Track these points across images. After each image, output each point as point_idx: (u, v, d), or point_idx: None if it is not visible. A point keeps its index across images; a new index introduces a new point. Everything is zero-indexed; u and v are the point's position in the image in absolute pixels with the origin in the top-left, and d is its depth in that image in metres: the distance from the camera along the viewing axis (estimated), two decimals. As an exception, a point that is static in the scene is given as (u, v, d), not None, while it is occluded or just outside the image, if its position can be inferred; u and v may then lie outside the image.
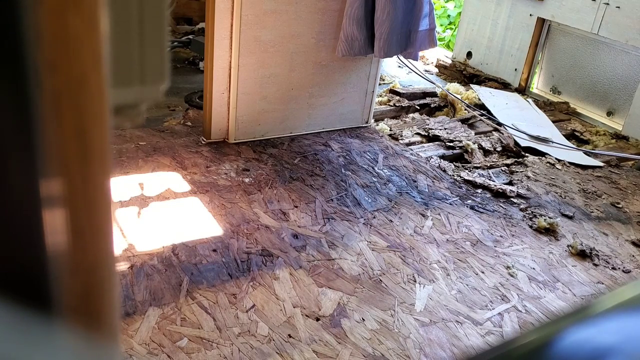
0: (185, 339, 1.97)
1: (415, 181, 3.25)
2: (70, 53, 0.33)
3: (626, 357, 0.41)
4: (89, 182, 0.36)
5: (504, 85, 5.01)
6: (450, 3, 7.49)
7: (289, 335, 2.04)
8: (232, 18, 3.09)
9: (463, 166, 3.56)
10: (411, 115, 4.23)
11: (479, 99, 4.52)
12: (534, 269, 2.61)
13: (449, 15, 7.41)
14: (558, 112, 4.62)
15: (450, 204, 3.06)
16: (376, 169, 3.33)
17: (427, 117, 4.20)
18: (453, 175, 3.38)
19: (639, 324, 0.46)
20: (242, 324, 2.06)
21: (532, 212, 3.08)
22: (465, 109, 4.29)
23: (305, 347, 2.00)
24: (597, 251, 2.79)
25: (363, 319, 2.16)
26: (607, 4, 4.23)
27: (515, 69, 5.00)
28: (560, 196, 3.31)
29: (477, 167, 3.55)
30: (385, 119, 4.11)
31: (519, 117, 4.30)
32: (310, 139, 3.58)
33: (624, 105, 4.34)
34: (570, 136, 4.24)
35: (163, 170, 2.97)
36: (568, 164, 3.73)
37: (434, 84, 4.67)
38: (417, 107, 4.35)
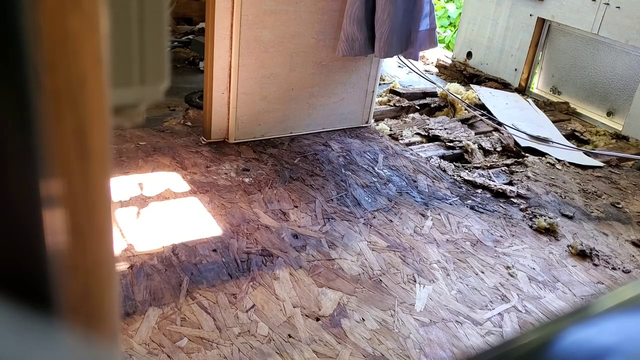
0: (185, 339, 1.97)
1: (415, 181, 3.25)
2: (70, 53, 0.33)
3: (626, 357, 0.41)
4: (89, 182, 0.36)
5: (504, 85, 5.00)
6: (450, 4, 7.48)
7: (289, 335, 2.04)
8: (232, 18, 3.09)
9: (463, 166, 3.56)
10: (411, 115, 4.23)
11: (479, 99, 4.52)
12: (534, 269, 2.61)
13: (449, 16, 7.41)
14: (558, 112, 4.62)
15: (450, 204, 3.06)
16: (376, 169, 3.33)
17: (427, 117, 4.20)
18: (453, 175, 3.38)
19: (639, 324, 0.46)
20: (242, 324, 2.06)
21: (532, 212, 3.08)
22: (466, 109, 4.29)
23: (305, 347, 2.00)
24: (597, 251, 2.79)
25: (363, 319, 2.16)
26: (607, 4, 4.23)
27: (516, 69, 5.00)
28: (560, 196, 3.31)
29: (477, 167, 3.55)
30: (385, 119, 4.11)
31: (519, 117, 4.30)
32: (310, 139, 3.58)
33: (624, 105, 4.34)
34: (570, 136, 4.24)
35: (163, 170, 2.97)
36: (568, 164, 3.73)
37: (434, 84, 4.67)
38: (417, 107, 4.35)
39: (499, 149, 3.83)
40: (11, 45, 0.29)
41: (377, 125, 3.93)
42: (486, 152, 3.77)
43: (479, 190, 3.24)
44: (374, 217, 2.83)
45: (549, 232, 2.92)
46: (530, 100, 4.73)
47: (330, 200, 2.93)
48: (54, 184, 0.34)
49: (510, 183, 3.40)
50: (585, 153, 3.93)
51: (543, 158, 3.76)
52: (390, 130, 3.90)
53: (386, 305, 2.25)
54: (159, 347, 1.92)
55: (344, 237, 2.64)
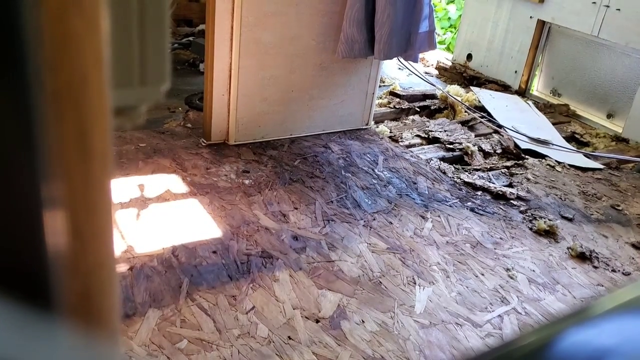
0: (185, 341, 1.97)
1: (415, 183, 3.25)
2: (71, 54, 0.33)
3: (625, 359, 0.41)
4: (90, 183, 0.36)
5: (504, 88, 5.01)
6: (451, 5, 7.49)
7: (289, 337, 2.04)
8: (232, 20, 3.09)
9: (463, 168, 3.56)
10: (411, 117, 4.23)
11: (479, 101, 4.52)
12: (533, 271, 2.61)
13: (449, 18, 7.41)
14: (558, 114, 4.62)
15: (450, 206, 3.06)
16: (376, 171, 3.33)
17: (427, 119, 4.20)
18: (453, 177, 3.38)
19: (638, 326, 0.46)
20: (242, 326, 2.06)
21: (532, 214, 3.08)
22: (466, 111, 4.30)
23: (305, 349, 2.00)
24: (596, 253, 2.79)
25: (363, 321, 2.16)
26: (608, 6, 4.24)
27: (516, 71, 5.00)
28: (560, 198, 3.31)
29: (477, 169, 3.55)
30: (385, 121, 4.11)
31: (519, 119, 4.30)
32: (310, 140, 3.58)
33: (624, 107, 4.34)
34: (570, 138, 4.24)
35: (163, 172, 2.97)
36: (568, 166, 3.73)
37: (434, 86, 4.67)
38: (417, 109, 4.35)
39: (499, 151, 3.84)
40: (13, 46, 0.29)
41: (377, 127, 3.93)
42: (486, 154, 3.77)
43: (479, 192, 3.24)
44: (374, 219, 2.83)
45: (549, 234, 2.92)
46: (530, 102, 4.73)
47: (330, 202, 2.93)
48: (54, 184, 0.34)
49: (510, 185, 3.40)
50: (585, 155, 3.94)
51: (543, 160, 3.76)
52: (390, 132, 3.90)
53: (386, 307, 2.25)
54: (158, 348, 1.92)
55: (344, 239, 2.64)
